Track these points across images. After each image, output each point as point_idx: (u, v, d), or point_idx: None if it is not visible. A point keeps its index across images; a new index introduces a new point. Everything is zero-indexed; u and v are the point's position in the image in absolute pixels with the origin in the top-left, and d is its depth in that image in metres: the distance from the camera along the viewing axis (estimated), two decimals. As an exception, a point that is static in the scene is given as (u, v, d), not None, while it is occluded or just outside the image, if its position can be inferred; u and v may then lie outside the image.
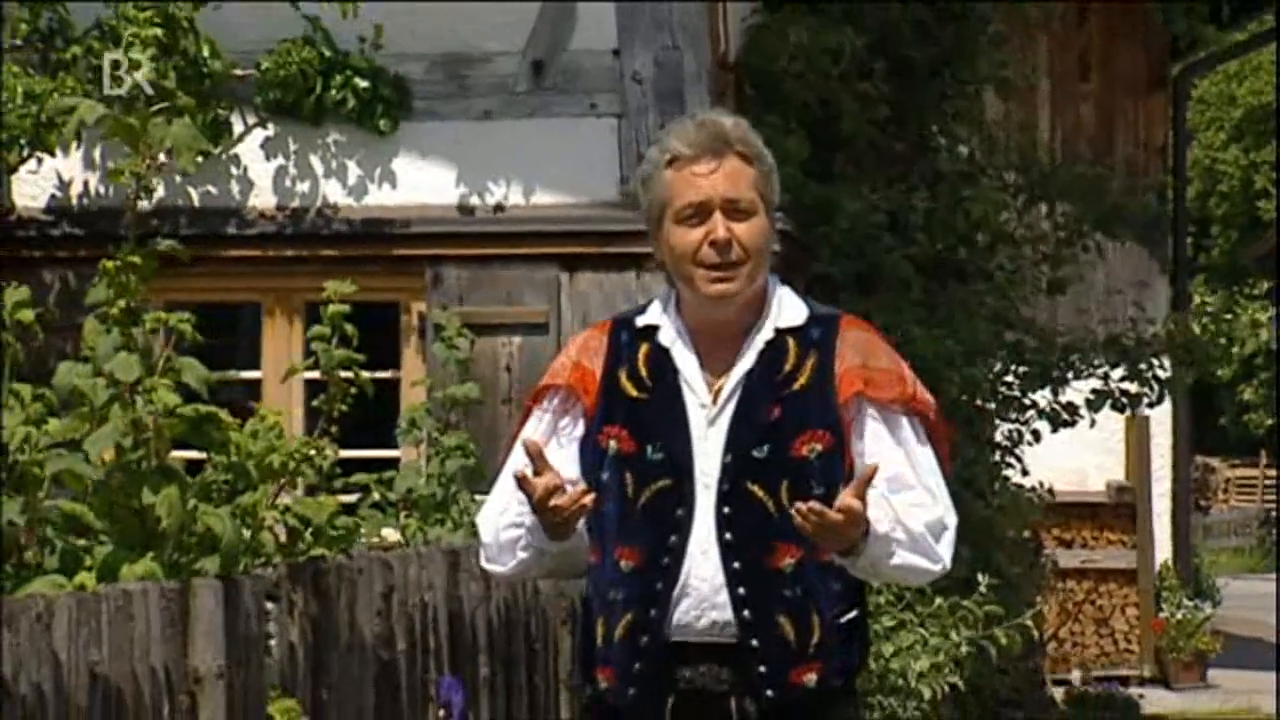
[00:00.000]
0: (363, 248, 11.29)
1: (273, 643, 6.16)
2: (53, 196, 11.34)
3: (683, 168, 5.20)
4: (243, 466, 6.34)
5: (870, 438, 5.21)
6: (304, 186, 11.39)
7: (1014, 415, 13.83)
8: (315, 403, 7.14)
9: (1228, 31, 21.53)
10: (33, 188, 11.25)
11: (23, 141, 10.60)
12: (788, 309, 5.27)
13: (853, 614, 5.27)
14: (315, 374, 11.31)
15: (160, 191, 11.37)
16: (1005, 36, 14.05)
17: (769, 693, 5.15)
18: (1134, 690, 19.95)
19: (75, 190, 11.37)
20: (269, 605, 6.14)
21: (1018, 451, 14.37)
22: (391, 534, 8.99)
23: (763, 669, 5.15)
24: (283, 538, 6.64)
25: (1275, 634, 21.70)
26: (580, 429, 5.29)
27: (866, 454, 5.19)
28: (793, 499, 5.09)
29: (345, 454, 10.57)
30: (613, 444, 5.22)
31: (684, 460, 5.17)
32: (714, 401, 5.20)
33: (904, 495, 5.17)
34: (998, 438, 14.05)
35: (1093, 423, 13.84)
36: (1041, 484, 14.67)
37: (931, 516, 5.18)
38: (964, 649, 11.19)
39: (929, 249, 12.40)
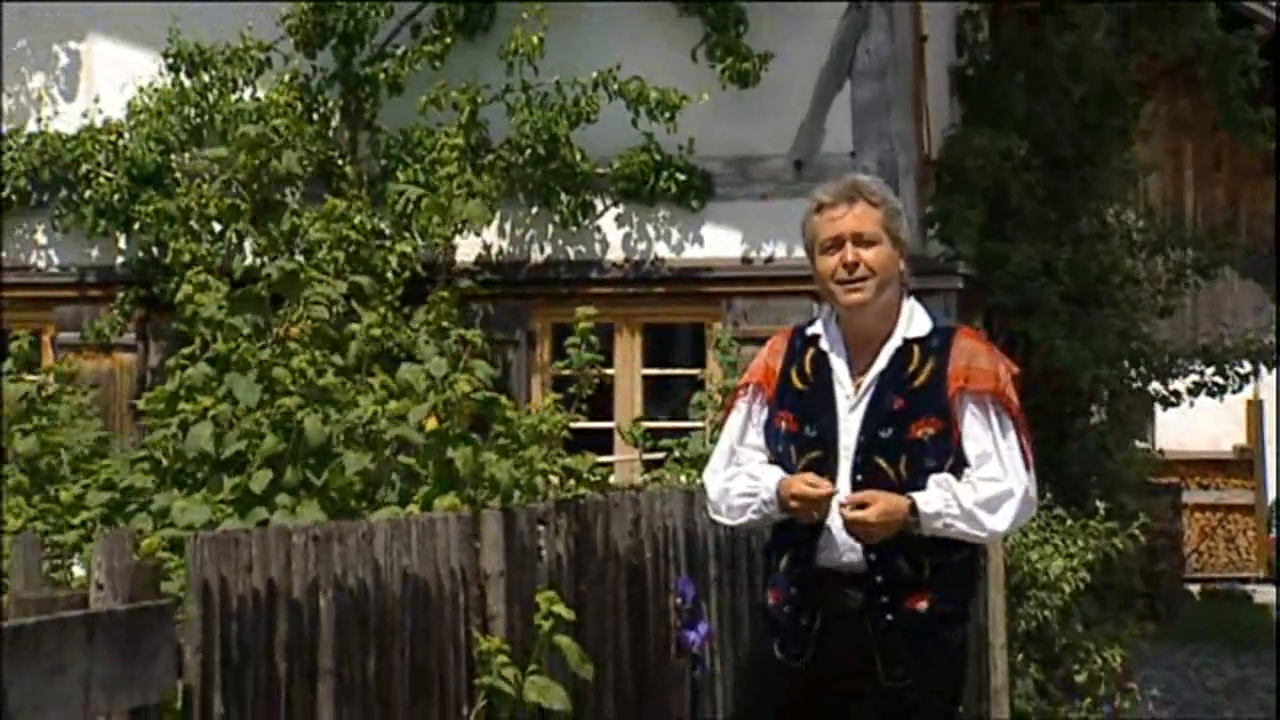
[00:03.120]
0: (681, 287, 11.12)
1: (543, 553, 5.99)
2: (479, 255, 11.29)
3: (824, 212, 4.96)
4: (515, 433, 6.20)
5: (968, 422, 4.89)
6: (642, 246, 11.25)
7: (1133, 400, 13.39)
8: (571, 389, 6.91)
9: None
10: (466, 247, 11.21)
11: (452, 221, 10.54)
12: (916, 323, 4.97)
13: (960, 556, 4.93)
14: (652, 370, 11.36)
15: (549, 249, 11.35)
16: (1133, 139, 13.50)
17: (889, 616, 4.85)
18: (1250, 588, 19.42)
19: (494, 250, 11.33)
20: (540, 528, 5.97)
21: (1149, 425, 13.96)
22: (684, 480, 8.81)
23: (885, 598, 4.86)
24: (556, 482, 6.48)
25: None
26: (765, 413, 5.05)
27: (965, 434, 4.88)
28: (910, 471, 4.82)
29: (663, 425, 10.49)
30: (783, 425, 4.97)
31: (831, 437, 4.89)
32: (855, 393, 4.93)
33: (985, 468, 4.85)
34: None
35: (1191, 404, 13.34)
36: (1153, 447, 14.22)
37: (996, 490, 4.84)
38: (1089, 555, 10.77)
39: (1071, 286, 12.01)
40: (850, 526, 4.77)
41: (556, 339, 11.27)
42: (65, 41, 11.85)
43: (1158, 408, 13.69)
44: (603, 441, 10.33)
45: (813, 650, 4.91)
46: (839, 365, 4.97)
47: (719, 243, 11.09)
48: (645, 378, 11.21)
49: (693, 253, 11.16)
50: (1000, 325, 11.89)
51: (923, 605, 4.86)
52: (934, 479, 4.84)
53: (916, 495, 4.80)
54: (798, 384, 5.00)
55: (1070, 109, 12.52)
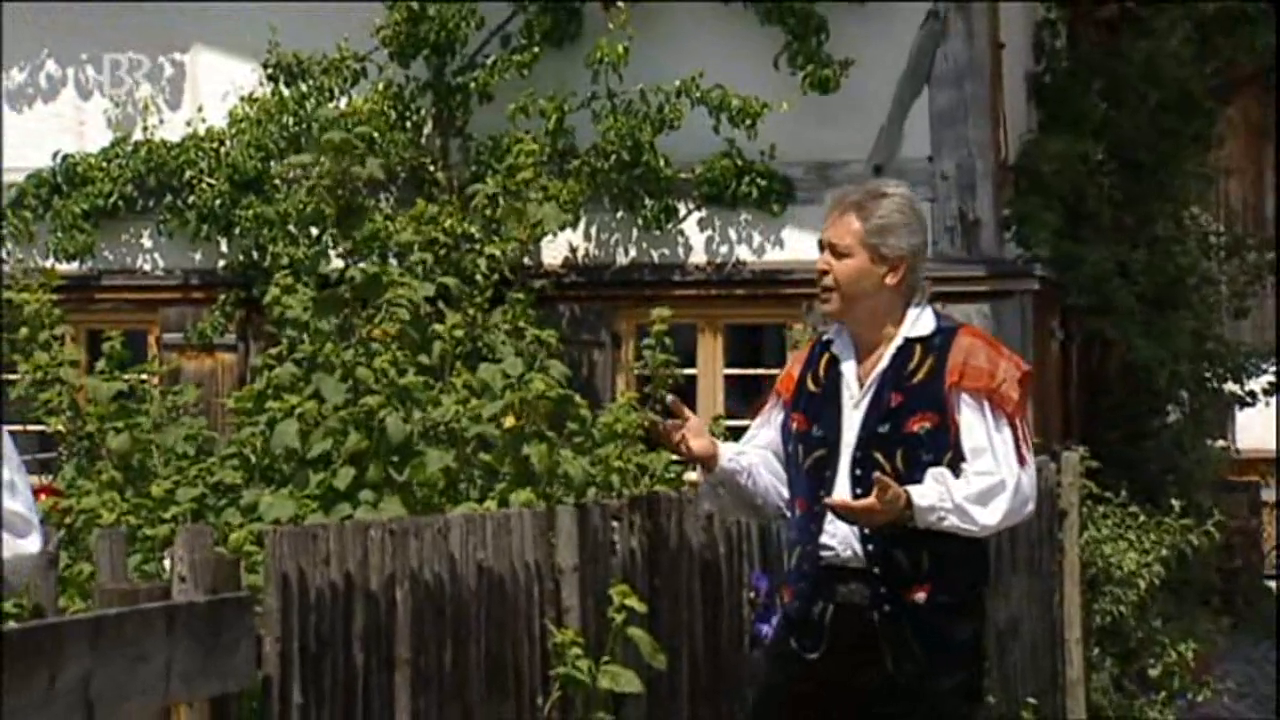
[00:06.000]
0: (761, 289, 11.09)
1: (617, 548, 5.96)
2: (566, 258, 11.31)
3: (828, 214, 4.96)
4: (588, 430, 6.18)
5: (964, 417, 4.82)
6: (724, 249, 11.23)
7: (1209, 399, 13.21)
8: (647, 389, 6.87)
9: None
10: (553, 250, 11.23)
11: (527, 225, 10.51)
12: (920, 324, 4.89)
13: (959, 548, 4.82)
14: (734, 370, 11.33)
15: (633, 252, 11.35)
16: (1210, 144, 13.34)
17: (886, 607, 4.77)
18: (1329, 584, 19.00)
19: (580, 252, 11.33)
20: (614, 523, 5.95)
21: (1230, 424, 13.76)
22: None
23: (883, 589, 4.77)
24: (631, 479, 6.45)
25: None
26: (783, 416, 5.02)
27: (962, 428, 4.83)
28: (907, 465, 4.76)
29: (745, 423, 10.43)
30: (794, 425, 4.93)
31: (834, 435, 4.84)
32: (859, 391, 4.90)
33: (979, 462, 4.77)
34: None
35: (1268, 403, 13.16)
36: (1232, 445, 14.01)
37: (988, 484, 4.74)
38: (1164, 551, 10.64)
39: (1146, 288, 11.89)
40: (846, 512, 4.74)
41: (640, 340, 11.25)
42: (170, 53, 11.96)
43: (1237, 407, 13.52)
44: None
45: (826, 643, 4.87)
46: (848, 367, 4.92)
47: (799, 246, 11.03)
48: (727, 377, 11.18)
49: (773, 255, 11.13)
50: (1077, 325, 11.78)
51: (921, 596, 4.78)
52: (931, 473, 4.76)
53: (912, 489, 4.72)
54: (811, 387, 4.97)
55: (1147, 115, 12.40)
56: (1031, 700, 9.16)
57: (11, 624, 4.00)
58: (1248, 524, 17.07)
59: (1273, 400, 13.14)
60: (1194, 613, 12.17)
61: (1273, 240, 13.89)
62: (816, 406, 4.91)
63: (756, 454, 5.01)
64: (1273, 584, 19.16)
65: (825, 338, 5.05)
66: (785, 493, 4.98)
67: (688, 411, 4.90)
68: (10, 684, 3.49)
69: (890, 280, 4.84)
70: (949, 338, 4.88)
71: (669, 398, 4.89)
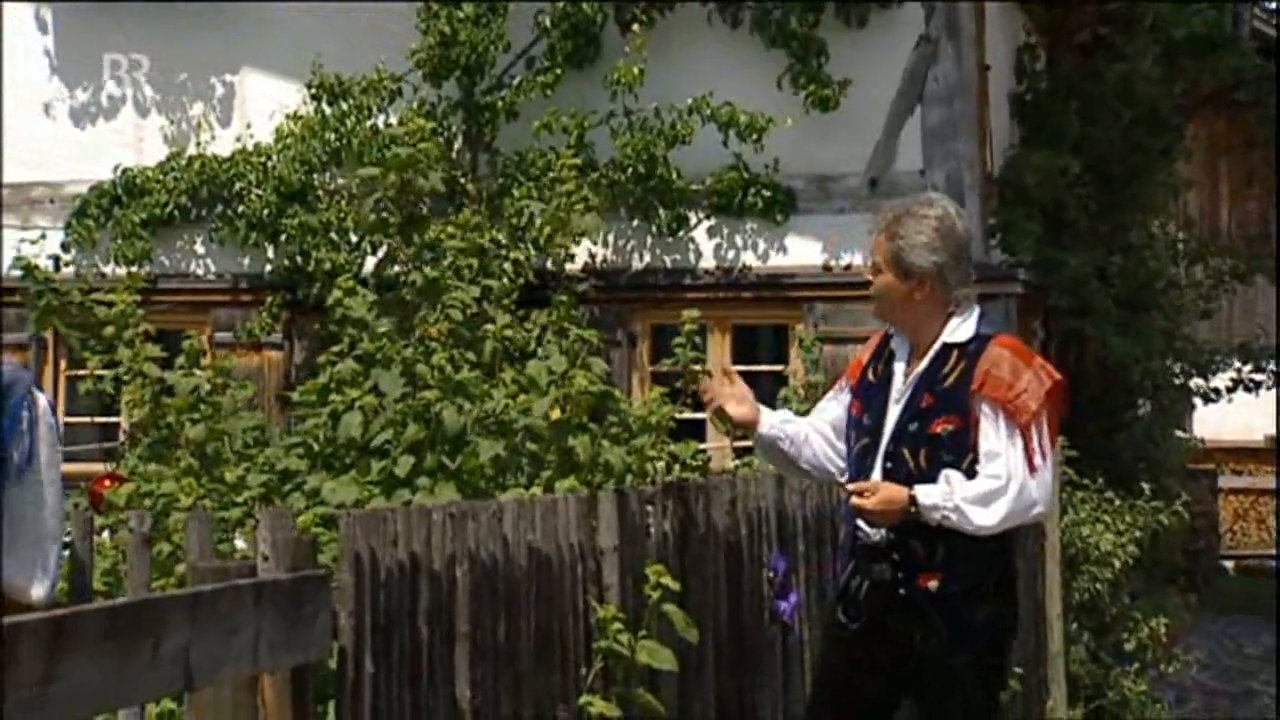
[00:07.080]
0: (766, 292, 11.12)
1: (651, 531, 6.00)
2: (585, 263, 11.34)
3: None
4: (626, 422, 6.22)
5: (982, 423, 4.85)
6: (731, 254, 11.26)
7: (1176, 394, 13.26)
8: (678, 384, 6.90)
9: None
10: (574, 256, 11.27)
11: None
12: (960, 331, 4.92)
13: (974, 542, 4.82)
14: (740, 367, 11.35)
15: (648, 257, 11.38)
16: (1176, 158, 13.37)
17: (901, 591, 4.85)
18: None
19: (599, 258, 11.37)
20: (648, 508, 5.98)
21: (1188, 416, 13.78)
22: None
23: (900, 574, 4.85)
24: (662, 467, 6.48)
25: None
26: (848, 399, 5.09)
27: (981, 433, 4.85)
28: (928, 462, 4.81)
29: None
30: (852, 412, 5.00)
31: (878, 427, 4.91)
32: (902, 389, 4.95)
33: (990, 466, 4.81)
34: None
35: (1230, 399, 13.21)
36: (1194, 436, 14.06)
37: (992, 487, 4.77)
38: (1137, 532, 10.69)
39: (1121, 291, 11.93)
40: (853, 509, 4.80)
41: (654, 339, 11.31)
42: (221, 75, 12.00)
43: (1198, 401, 13.57)
44: (696, 431, 10.34)
45: (865, 615, 4.93)
46: (899, 366, 4.99)
47: (801, 252, 11.09)
48: (742, 373, 11.20)
49: (777, 261, 11.16)
50: (1056, 326, 11.83)
51: (933, 584, 4.82)
52: (944, 473, 4.81)
53: (920, 488, 4.78)
54: (870, 378, 5.04)
55: (1120, 131, 12.45)
56: (1017, 670, 9.21)
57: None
58: (1210, 508, 17.17)
59: (1234, 395, 13.18)
60: (1163, 590, 12.22)
61: (1230, 247, 13.92)
62: (870, 397, 4.98)
63: (811, 424, 5.08)
64: (1229, 564, 19.27)
65: (889, 332, 5.09)
66: (840, 463, 5.06)
67: (738, 380, 4.99)
68: (119, 652, 3.53)
69: (917, 295, 4.88)
70: (982, 346, 4.90)
71: (725, 366, 5.00)
